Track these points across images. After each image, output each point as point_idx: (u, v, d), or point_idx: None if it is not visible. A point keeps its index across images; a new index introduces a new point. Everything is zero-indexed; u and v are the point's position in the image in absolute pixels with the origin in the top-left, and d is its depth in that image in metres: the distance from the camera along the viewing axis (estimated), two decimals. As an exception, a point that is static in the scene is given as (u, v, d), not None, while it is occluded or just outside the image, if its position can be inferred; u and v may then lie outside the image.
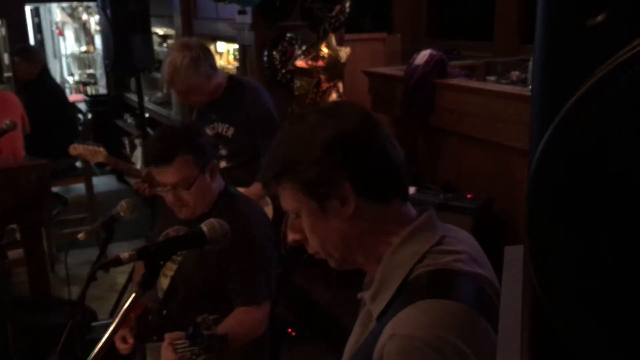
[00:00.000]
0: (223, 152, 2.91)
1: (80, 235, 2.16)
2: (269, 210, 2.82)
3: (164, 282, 2.16)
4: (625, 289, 0.46)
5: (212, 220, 1.56)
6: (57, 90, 5.46)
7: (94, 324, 3.21)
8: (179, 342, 1.80)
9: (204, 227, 1.54)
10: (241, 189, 2.56)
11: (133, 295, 1.41)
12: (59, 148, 4.65)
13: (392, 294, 1.09)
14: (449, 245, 1.12)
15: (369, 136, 1.14)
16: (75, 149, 3.17)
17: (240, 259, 2.05)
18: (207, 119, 2.98)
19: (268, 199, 2.93)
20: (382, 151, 1.14)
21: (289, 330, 3.40)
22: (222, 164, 2.88)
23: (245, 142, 2.90)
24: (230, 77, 3.04)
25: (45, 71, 5.36)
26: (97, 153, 3.10)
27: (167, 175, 2.02)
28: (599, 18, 0.46)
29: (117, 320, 1.38)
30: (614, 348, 0.48)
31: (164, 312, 2.08)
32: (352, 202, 1.11)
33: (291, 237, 1.22)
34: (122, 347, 2.05)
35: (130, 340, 2.05)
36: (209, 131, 2.96)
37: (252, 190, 2.74)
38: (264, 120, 2.89)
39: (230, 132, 2.93)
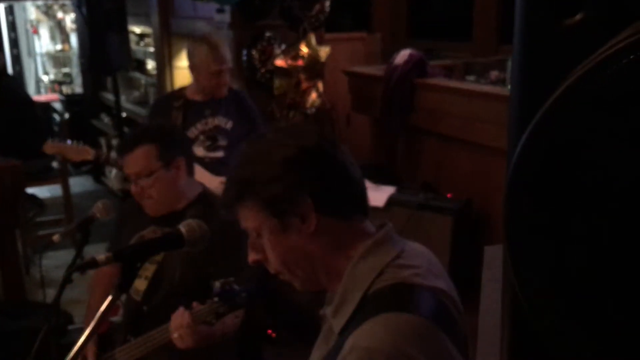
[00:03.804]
0: (223, 143, 3.10)
1: (55, 238, 2.12)
2: None
3: (140, 284, 2.14)
4: (603, 291, 0.46)
5: (190, 221, 1.53)
6: (17, 89, 5.37)
7: (69, 327, 3.17)
8: (196, 311, 1.74)
9: (183, 228, 1.51)
10: None
11: (109, 298, 1.38)
12: (27, 149, 4.58)
13: (353, 308, 1.10)
14: (408, 260, 1.14)
15: (328, 154, 1.16)
16: (53, 147, 3.11)
17: (225, 252, 2.05)
18: (198, 115, 3.09)
19: None
20: (342, 168, 1.16)
21: (269, 331, 3.39)
22: (221, 154, 3.08)
23: (243, 134, 3.08)
24: None
25: (2, 72, 5.29)
26: (84, 151, 3.07)
27: (128, 164, 2.07)
28: (577, 18, 0.47)
29: (92, 324, 1.35)
30: (592, 349, 0.48)
31: (145, 308, 2.06)
32: (312, 219, 1.12)
33: (252, 257, 1.22)
34: None
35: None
36: (200, 126, 3.09)
37: None
38: (260, 120, 3.21)
39: (229, 125, 3.10)
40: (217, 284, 1.71)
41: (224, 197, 1.22)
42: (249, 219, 1.18)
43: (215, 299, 1.70)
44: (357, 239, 1.16)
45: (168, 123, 2.96)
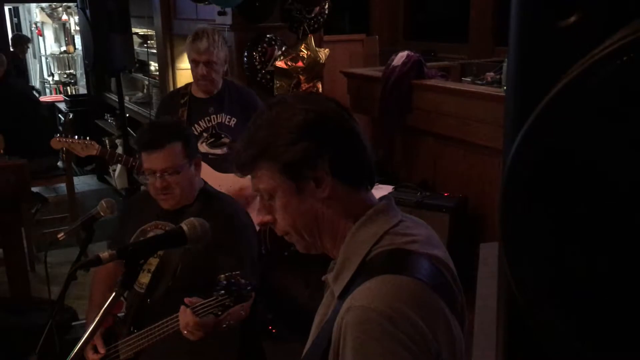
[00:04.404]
0: (226, 139, 3.14)
1: (60, 235, 2.16)
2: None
3: (143, 277, 2.18)
4: (596, 287, 0.46)
5: (192, 219, 1.57)
6: (23, 89, 5.41)
7: (74, 323, 3.21)
8: (199, 305, 1.77)
9: (184, 226, 1.54)
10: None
11: (113, 294, 1.40)
12: (33, 147, 4.63)
13: (352, 273, 1.13)
14: (406, 229, 1.17)
15: (345, 120, 1.18)
16: (60, 142, 3.16)
17: (224, 243, 2.10)
18: (202, 112, 3.14)
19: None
20: (357, 136, 1.18)
21: (270, 327, 3.43)
22: (224, 150, 3.11)
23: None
24: (224, 78, 3.27)
25: (9, 72, 5.34)
26: (89, 146, 3.13)
27: (157, 161, 2.08)
28: (571, 19, 0.47)
29: (97, 319, 1.38)
30: (585, 345, 0.49)
31: (148, 301, 2.10)
32: (327, 184, 1.15)
33: (260, 218, 1.23)
34: (93, 358, 2.08)
35: (102, 350, 2.08)
36: (203, 123, 3.14)
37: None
38: None
39: (232, 122, 3.15)
40: (222, 278, 1.74)
41: (240, 157, 1.20)
42: (263, 181, 1.17)
43: (222, 292, 1.73)
44: (363, 208, 1.18)
45: (180, 120, 3.00)
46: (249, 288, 1.74)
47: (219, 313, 1.75)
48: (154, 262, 2.18)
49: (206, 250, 2.05)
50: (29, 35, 9.87)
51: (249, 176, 1.22)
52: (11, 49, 7.87)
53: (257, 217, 1.25)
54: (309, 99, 1.21)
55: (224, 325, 1.86)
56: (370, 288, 1.06)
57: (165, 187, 2.10)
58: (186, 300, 1.81)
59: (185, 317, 1.80)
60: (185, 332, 1.81)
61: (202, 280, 2.11)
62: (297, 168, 1.14)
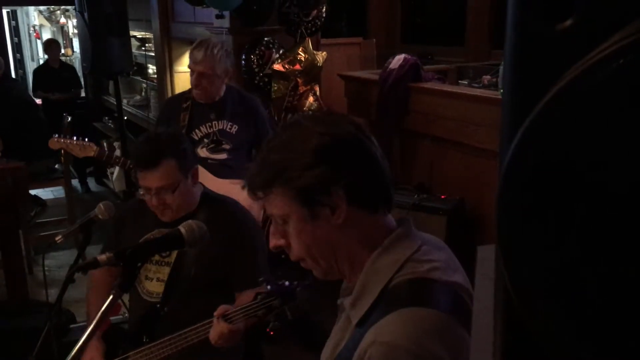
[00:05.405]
0: (227, 146, 3.15)
1: (58, 238, 2.17)
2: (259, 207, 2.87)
3: (152, 285, 2.18)
4: (596, 290, 0.46)
5: (190, 222, 1.57)
6: (21, 92, 5.42)
7: (71, 326, 3.21)
8: (236, 311, 1.76)
9: (182, 229, 1.54)
10: (238, 182, 2.66)
11: (110, 297, 1.41)
12: (32, 150, 4.64)
13: (372, 301, 1.11)
14: (426, 254, 1.15)
15: (363, 144, 1.14)
16: (58, 142, 3.16)
17: (238, 246, 2.12)
18: (203, 117, 3.15)
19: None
20: (375, 160, 1.15)
21: (267, 330, 3.43)
22: (224, 155, 3.12)
23: (246, 138, 3.16)
24: (228, 85, 3.29)
25: (6, 75, 5.34)
26: (87, 148, 3.14)
27: (152, 179, 2.05)
28: (568, 23, 0.46)
29: (94, 322, 1.38)
30: (585, 348, 0.48)
31: (165, 309, 2.10)
32: (343, 210, 1.11)
33: (273, 242, 1.20)
34: None
35: None
36: (204, 129, 3.15)
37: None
38: (267, 126, 3.24)
39: (234, 129, 3.16)
40: (264, 284, 1.74)
41: (253, 180, 1.16)
42: (277, 205, 1.14)
43: (265, 295, 1.72)
44: (381, 233, 1.16)
45: (176, 130, 2.99)
46: (299, 289, 1.71)
47: (260, 314, 1.72)
48: (164, 270, 2.17)
49: (218, 253, 2.08)
50: (27, 39, 9.88)
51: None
52: (45, 56, 7.69)
53: (270, 240, 1.23)
54: (325, 121, 1.17)
55: (268, 329, 1.84)
56: (396, 323, 1.05)
57: (161, 204, 2.09)
58: (216, 313, 1.80)
59: (219, 326, 1.79)
60: (220, 341, 1.79)
61: (217, 283, 2.14)
62: (311, 194, 1.10)
